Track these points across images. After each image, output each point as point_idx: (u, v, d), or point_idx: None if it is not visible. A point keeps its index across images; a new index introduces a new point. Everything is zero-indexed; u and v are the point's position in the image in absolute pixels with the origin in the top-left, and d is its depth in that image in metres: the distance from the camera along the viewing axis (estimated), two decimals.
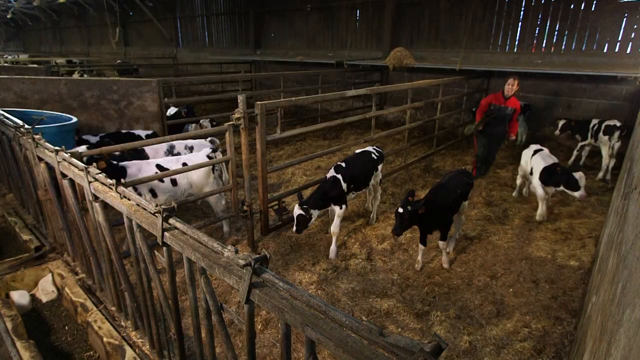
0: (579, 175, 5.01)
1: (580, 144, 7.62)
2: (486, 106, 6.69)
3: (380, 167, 5.34)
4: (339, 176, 4.64)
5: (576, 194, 5.02)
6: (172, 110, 8.11)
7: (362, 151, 5.30)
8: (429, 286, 4.10)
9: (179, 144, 5.61)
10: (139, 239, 2.49)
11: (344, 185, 4.66)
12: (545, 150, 5.80)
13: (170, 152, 5.51)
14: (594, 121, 7.29)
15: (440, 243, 4.43)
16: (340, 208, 4.67)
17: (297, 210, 4.37)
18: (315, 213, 4.46)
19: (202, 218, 5.57)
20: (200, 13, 18.65)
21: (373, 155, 5.23)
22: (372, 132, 6.36)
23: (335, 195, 4.60)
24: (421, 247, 4.40)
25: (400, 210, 3.98)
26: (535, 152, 5.78)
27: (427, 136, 8.81)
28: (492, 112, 6.66)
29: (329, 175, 4.70)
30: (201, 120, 8.02)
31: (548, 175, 5.31)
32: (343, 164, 4.78)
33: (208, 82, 15.80)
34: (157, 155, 5.43)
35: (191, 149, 5.61)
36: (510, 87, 6.41)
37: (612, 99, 8.50)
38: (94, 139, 5.77)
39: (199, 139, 5.87)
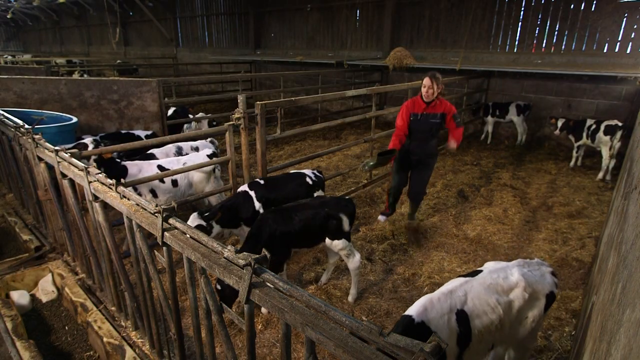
0: None
1: (575, 144, 7.64)
2: (408, 116, 4.75)
3: (317, 194, 4.44)
4: (252, 193, 3.97)
5: None
6: (172, 110, 8.12)
7: (296, 173, 4.55)
8: (429, 286, 4.10)
9: (186, 145, 5.62)
10: (139, 239, 2.49)
11: (258, 205, 3.95)
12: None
13: (179, 154, 5.50)
14: (589, 122, 7.31)
15: None
16: None
17: (194, 220, 3.60)
18: (216, 228, 3.75)
19: None
20: (200, 13, 18.65)
21: (308, 179, 4.42)
22: (372, 132, 6.36)
23: (246, 217, 3.92)
24: None
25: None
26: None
27: None
28: (409, 144, 4.86)
29: (240, 189, 4.05)
30: (200, 114, 8.11)
31: None
32: (262, 181, 4.12)
33: (208, 82, 15.81)
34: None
35: (196, 149, 5.62)
36: (427, 89, 4.58)
37: (612, 99, 8.51)
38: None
39: (199, 139, 5.88)
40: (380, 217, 5.26)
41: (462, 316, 2.22)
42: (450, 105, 4.77)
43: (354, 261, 3.74)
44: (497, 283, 2.44)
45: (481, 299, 2.34)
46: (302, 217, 3.51)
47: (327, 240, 3.66)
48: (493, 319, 2.33)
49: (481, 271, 2.56)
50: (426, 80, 4.59)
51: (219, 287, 3.13)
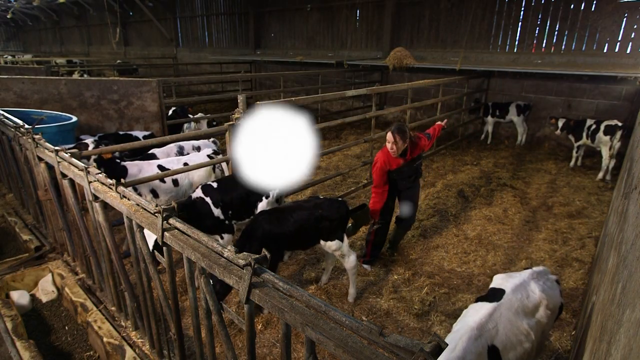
0: None
1: (575, 144, 7.65)
2: (384, 176, 4.12)
3: (273, 192, 4.23)
4: (208, 199, 3.78)
5: None
6: (172, 111, 8.13)
7: None
8: (429, 286, 4.10)
9: (188, 145, 5.62)
10: (139, 239, 2.49)
11: (217, 212, 3.80)
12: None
13: (181, 153, 5.49)
14: (589, 122, 7.31)
15: None
16: (222, 238, 3.91)
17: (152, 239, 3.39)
18: None
19: None
20: (200, 13, 18.65)
21: None
22: (372, 132, 6.36)
23: (207, 224, 3.77)
24: None
25: None
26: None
27: None
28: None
29: (194, 195, 3.83)
30: (199, 114, 8.12)
31: None
32: (214, 185, 3.93)
33: (208, 82, 15.81)
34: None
35: (198, 149, 5.63)
36: (390, 145, 3.96)
37: (612, 99, 8.51)
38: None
39: (200, 139, 5.88)
40: (366, 267, 4.50)
41: (494, 352, 2.11)
42: (421, 139, 4.29)
43: (350, 261, 3.75)
44: (524, 304, 2.33)
45: (513, 326, 2.21)
46: (296, 219, 3.50)
47: (322, 241, 3.67)
48: (527, 348, 2.21)
49: (499, 290, 2.40)
50: (389, 136, 3.94)
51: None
